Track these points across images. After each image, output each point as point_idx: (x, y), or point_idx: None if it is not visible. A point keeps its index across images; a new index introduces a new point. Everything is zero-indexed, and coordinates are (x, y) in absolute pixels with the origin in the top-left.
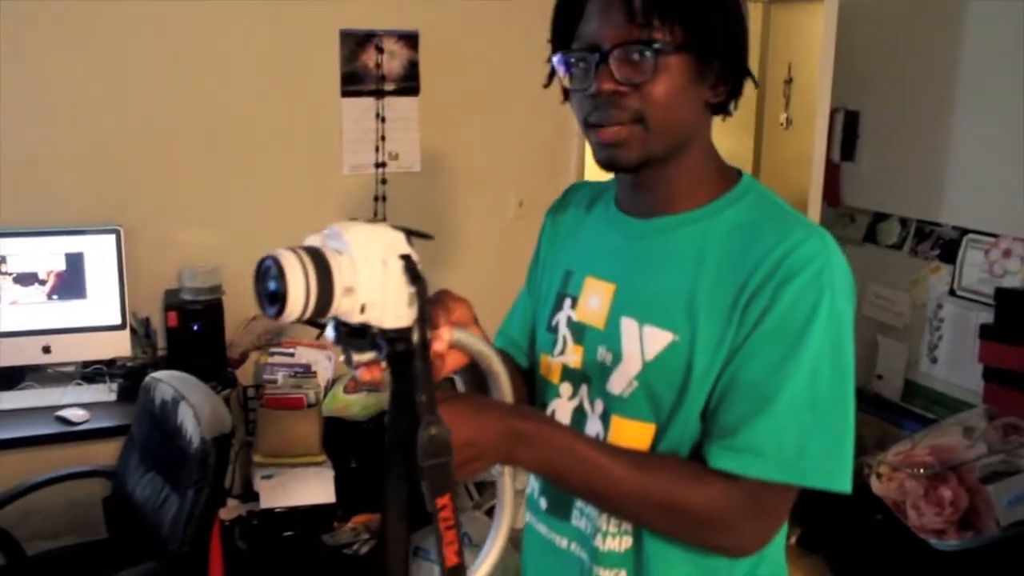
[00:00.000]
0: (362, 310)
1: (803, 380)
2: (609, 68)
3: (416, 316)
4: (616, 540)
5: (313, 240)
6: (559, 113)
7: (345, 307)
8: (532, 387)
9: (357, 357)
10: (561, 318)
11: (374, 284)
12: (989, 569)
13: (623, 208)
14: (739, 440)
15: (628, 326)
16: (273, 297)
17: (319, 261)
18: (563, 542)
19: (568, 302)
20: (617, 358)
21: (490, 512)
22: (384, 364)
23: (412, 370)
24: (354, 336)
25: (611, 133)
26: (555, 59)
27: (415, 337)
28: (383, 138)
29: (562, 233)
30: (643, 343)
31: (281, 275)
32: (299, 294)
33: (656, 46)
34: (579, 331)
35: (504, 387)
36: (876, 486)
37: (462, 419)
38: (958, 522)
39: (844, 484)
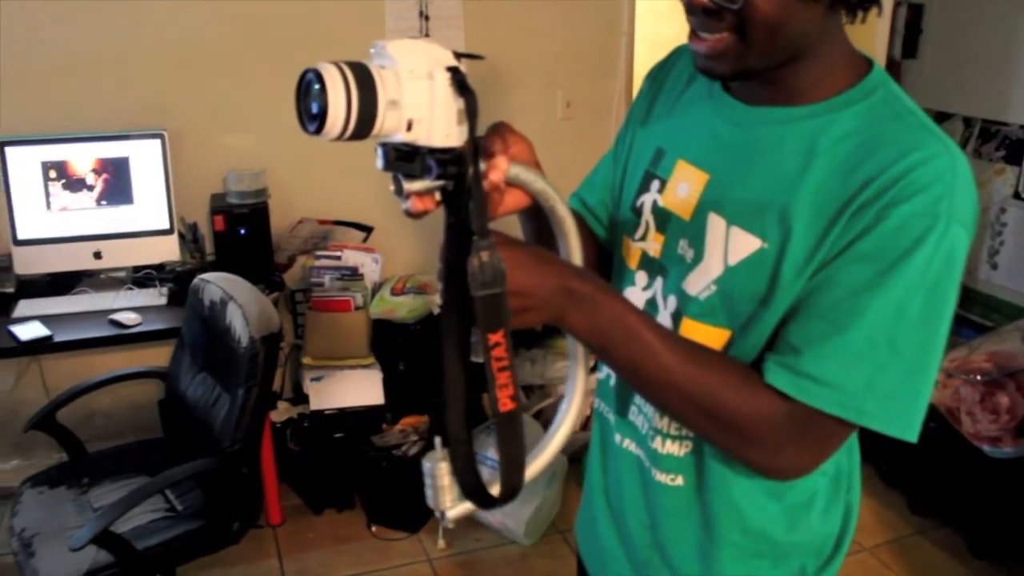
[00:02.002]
0: (409, 127)
1: (887, 312)
2: None
3: (467, 134)
4: (676, 444)
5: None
6: (607, 11)
7: (390, 123)
8: (605, 267)
9: (408, 186)
10: (646, 200)
11: (420, 98)
12: None
13: (730, 90)
14: (802, 362)
15: (715, 224)
16: (314, 113)
17: (362, 73)
18: (618, 438)
19: (656, 184)
20: (698, 256)
21: (538, 415)
22: (438, 197)
23: (465, 196)
24: (403, 160)
25: (706, 44)
26: None
27: (467, 155)
28: (427, 37)
29: (660, 102)
30: (728, 245)
31: (322, 88)
32: (340, 107)
33: None
34: (663, 218)
35: (569, 232)
36: None
37: (519, 263)
38: (1014, 429)
39: (910, 432)
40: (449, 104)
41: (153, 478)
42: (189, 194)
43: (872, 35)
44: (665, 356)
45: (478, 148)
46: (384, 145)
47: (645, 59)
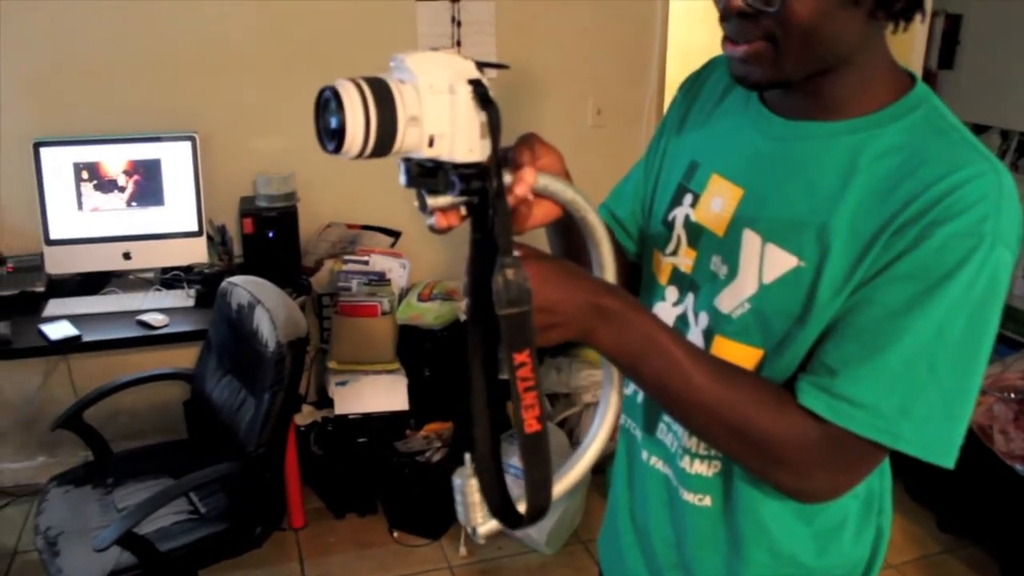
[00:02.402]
0: (430, 143)
1: (927, 335)
2: None
3: (490, 149)
4: (704, 464)
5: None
6: (640, 19)
7: (411, 140)
8: (633, 280)
9: (431, 201)
10: (679, 214)
11: (442, 113)
12: None
13: (767, 102)
14: (838, 384)
15: (750, 240)
16: (333, 132)
17: (380, 89)
18: (645, 455)
19: (689, 198)
20: (732, 273)
21: (562, 424)
22: (463, 212)
23: (490, 212)
24: (426, 176)
25: (740, 51)
26: None
27: (491, 170)
28: (459, 43)
29: (694, 113)
30: (763, 263)
31: (339, 106)
32: (358, 125)
33: None
34: (696, 233)
35: (601, 241)
36: None
37: (546, 279)
38: None
39: (947, 458)
40: (471, 118)
41: (177, 480)
42: (218, 197)
43: (909, 45)
44: (695, 376)
45: (500, 163)
46: (407, 160)
47: (677, 67)
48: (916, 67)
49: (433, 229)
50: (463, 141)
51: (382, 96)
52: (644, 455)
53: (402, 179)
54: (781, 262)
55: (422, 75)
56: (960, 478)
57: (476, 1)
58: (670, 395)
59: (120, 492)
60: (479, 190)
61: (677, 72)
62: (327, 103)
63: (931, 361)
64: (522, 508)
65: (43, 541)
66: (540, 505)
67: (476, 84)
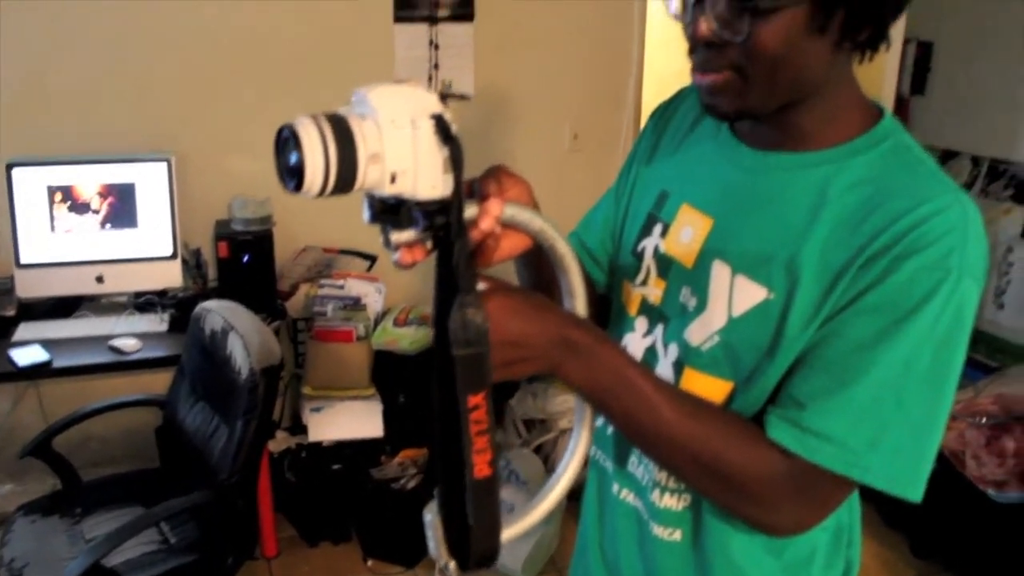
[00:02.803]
0: (392, 179)
1: (895, 368)
2: (706, 12)
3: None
4: (674, 498)
5: (342, 110)
6: (617, 44)
7: (373, 177)
8: (603, 311)
9: (395, 236)
10: (648, 244)
11: (403, 149)
12: None
13: (738, 133)
14: (806, 417)
15: (719, 272)
16: (292, 171)
17: (340, 127)
18: (616, 488)
19: (659, 228)
20: (701, 305)
21: (538, 450)
22: (429, 246)
23: (452, 248)
24: (389, 212)
25: (708, 81)
26: None
27: (454, 205)
28: (436, 66)
29: (665, 143)
30: (732, 295)
31: (298, 145)
32: (318, 165)
33: (750, 3)
34: (665, 264)
35: (570, 270)
36: None
37: (513, 313)
38: (1020, 474)
39: (914, 492)
40: (434, 154)
41: (148, 509)
42: (194, 220)
43: (882, 72)
44: (664, 410)
45: (464, 197)
46: (370, 197)
47: (653, 92)
48: (889, 93)
49: (398, 264)
50: (426, 177)
51: (342, 134)
52: (615, 488)
53: (365, 215)
54: (751, 294)
55: (383, 110)
56: (933, 503)
57: (454, 24)
58: (638, 430)
59: (89, 522)
60: (442, 226)
61: (653, 97)
62: (286, 142)
63: (899, 394)
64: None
65: (8, 573)
66: (489, 550)
67: (438, 119)
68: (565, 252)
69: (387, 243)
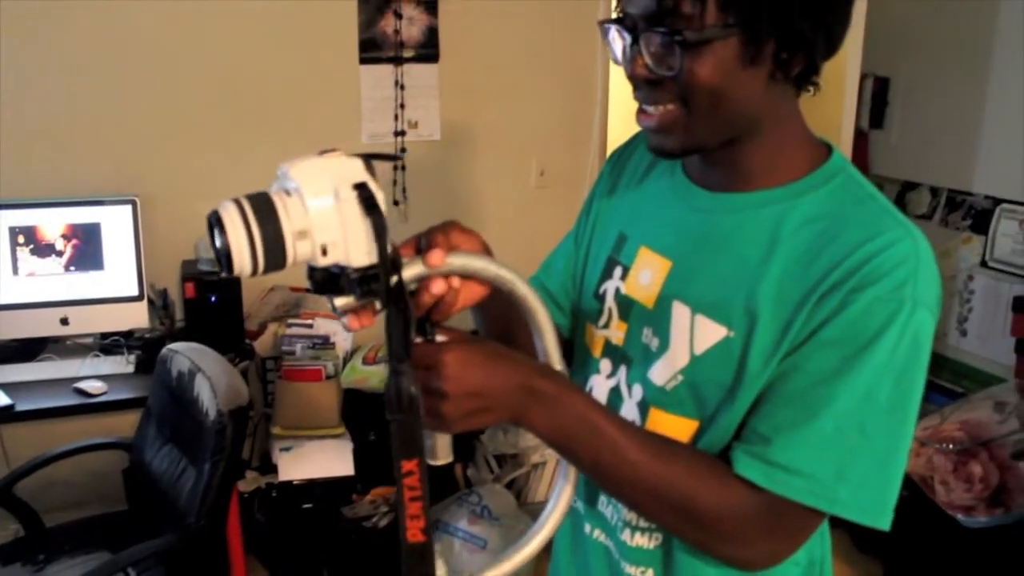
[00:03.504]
0: (324, 252)
1: (856, 399)
2: (641, 51)
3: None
4: (645, 536)
5: (270, 188)
6: (582, 81)
7: (304, 251)
8: (567, 354)
9: (338, 303)
10: (609, 287)
11: (330, 221)
12: (1019, 546)
13: (691, 175)
14: (772, 451)
15: (679, 312)
16: (220, 253)
17: (262, 206)
18: (588, 528)
19: (619, 270)
20: (664, 346)
21: (510, 485)
22: (377, 307)
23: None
24: (330, 281)
25: (653, 117)
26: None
27: (382, 272)
28: (402, 106)
29: (622, 185)
30: (693, 335)
31: (222, 230)
32: (243, 246)
33: (678, 38)
34: (626, 306)
35: (535, 309)
36: None
37: (473, 364)
38: (988, 499)
39: (882, 520)
40: (362, 223)
41: (114, 555)
42: (160, 260)
43: (840, 106)
44: (631, 453)
45: (389, 269)
46: (310, 268)
47: (619, 129)
48: (848, 127)
49: (347, 329)
50: (357, 246)
51: (264, 213)
52: (587, 528)
53: (310, 285)
54: (711, 333)
55: (305, 184)
56: (906, 528)
57: (420, 64)
58: (607, 474)
59: (52, 569)
60: (380, 291)
61: (619, 134)
62: (212, 227)
63: (862, 424)
64: None
65: None
66: None
67: (361, 188)
68: (526, 293)
69: (334, 309)
